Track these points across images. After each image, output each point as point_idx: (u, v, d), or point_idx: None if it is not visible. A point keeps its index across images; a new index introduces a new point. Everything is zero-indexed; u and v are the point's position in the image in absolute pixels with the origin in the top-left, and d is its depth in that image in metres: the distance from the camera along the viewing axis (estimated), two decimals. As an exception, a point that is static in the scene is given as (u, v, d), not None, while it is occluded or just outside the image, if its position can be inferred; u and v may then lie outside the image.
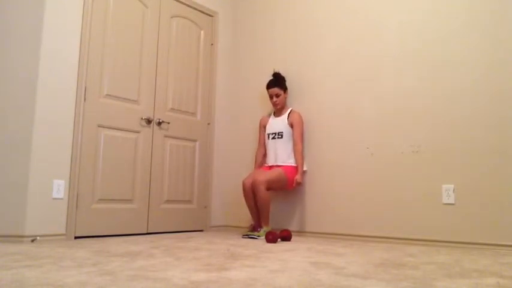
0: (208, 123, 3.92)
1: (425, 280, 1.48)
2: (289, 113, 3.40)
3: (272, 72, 3.52)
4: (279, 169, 3.22)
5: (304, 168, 3.33)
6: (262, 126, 3.56)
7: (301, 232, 3.35)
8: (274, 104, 3.43)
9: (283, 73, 3.56)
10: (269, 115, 3.56)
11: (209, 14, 4.03)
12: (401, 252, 2.30)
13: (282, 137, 3.34)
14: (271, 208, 3.44)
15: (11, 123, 2.76)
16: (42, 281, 1.37)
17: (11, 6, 2.87)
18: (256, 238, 3.01)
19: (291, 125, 3.34)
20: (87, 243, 2.59)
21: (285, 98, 3.45)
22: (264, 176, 3.10)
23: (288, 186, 3.24)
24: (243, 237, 3.06)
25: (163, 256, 2.01)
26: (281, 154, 3.32)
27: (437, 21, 2.86)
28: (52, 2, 2.88)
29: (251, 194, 3.14)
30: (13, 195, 2.69)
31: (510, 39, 2.57)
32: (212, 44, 4.03)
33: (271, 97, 3.43)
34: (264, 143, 3.51)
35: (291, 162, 3.28)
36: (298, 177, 3.21)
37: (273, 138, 3.39)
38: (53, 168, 2.81)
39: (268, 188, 3.12)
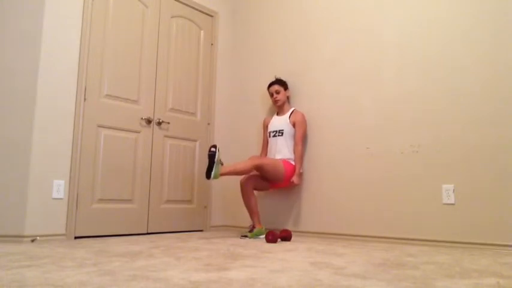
0: (208, 123, 3.92)
1: (425, 280, 1.48)
2: (292, 112, 3.40)
3: (272, 73, 3.55)
4: (279, 160, 3.23)
5: (301, 171, 3.33)
6: (265, 127, 3.57)
7: (301, 232, 3.35)
8: (275, 101, 3.44)
9: (283, 73, 3.59)
10: (272, 115, 3.57)
11: (209, 14, 4.03)
12: (401, 252, 2.30)
13: (282, 134, 3.35)
14: (271, 208, 3.44)
15: (11, 123, 2.76)
16: (42, 281, 1.36)
17: (11, 6, 2.87)
18: (247, 237, 3.03)
19: (293, 124, 3.35)
20: (87, 243, 2.59)
21: (286, 95, 3.46)
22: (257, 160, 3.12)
23: (282, 179, 3.21)
24: (240, 238, 3.06)
25: (163, 256, 2.01)
26: (281, 150, 3.32)
27: (438, 22, 2.86)
28: (52, 2, 2.89)
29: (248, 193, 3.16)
30: (13, 195, 2.69)
31: (511, 40, 2.57)
32: (212, 44, 4.03)
33: (271, 95, 3.46)
34: (268, 144, 3.52)
35: (291, 160, 3.29)
36: (295, 178, 3.20)
37: (274, 136, 3.40)
38: (53, 168, 2.81)
39: (260, 170, 3.11)
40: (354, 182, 3.13)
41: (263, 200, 3.66)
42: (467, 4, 2.75)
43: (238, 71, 4.13)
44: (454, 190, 2.66)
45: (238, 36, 4.18)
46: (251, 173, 3.20)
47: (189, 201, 3.69)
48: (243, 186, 3.17)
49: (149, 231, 3.35)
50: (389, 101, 3.03)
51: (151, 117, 3.44)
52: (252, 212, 3.16)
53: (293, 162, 3.28)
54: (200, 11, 3.94)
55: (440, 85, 2.80)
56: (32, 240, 2.66)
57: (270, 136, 3.46)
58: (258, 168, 3.09)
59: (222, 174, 2.91)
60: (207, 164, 2.88)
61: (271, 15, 3.91)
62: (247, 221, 3.62)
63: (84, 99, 3.02)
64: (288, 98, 3.51)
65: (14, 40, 2.83)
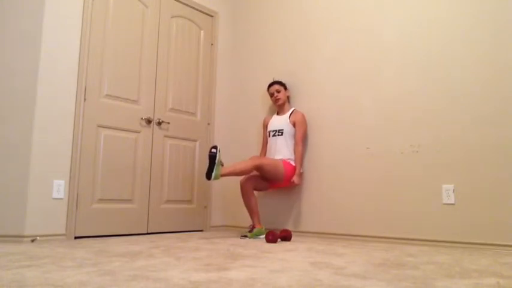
0: (208, 123, 3.92)
1: (425, 280, 1.48)
2: (292, 112, 3.40)
3: (272, 73, 3.56)
4: (279, 160, 3.23)
5: (301, 171, 3.33)
6: (265, 126, 3.57)
7: (301, 232, 3.35)
8: (276, 100, 3.45)
9: (283, 73, 3.59)
10: (272, 115, 3.57)
11: (209, 14, 4.03)
12: (401, 252, 2.30)
13: (282, 134, 3.35)
14: (271, 208, 3.44)
15: (11, 123, 2.76)
16: (42, 281, 1.36)
17: (11, 6, 2.87)
18: (247, 237, 3.04)
19: (293, 124, 3.35)
20: (87, 243, 2.59)
21: (286, 95, 3.47)
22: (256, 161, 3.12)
23: (282, 179, 3.22)
24: (240, 238, 3.06)
25: (163, 256, 2.01)
26: (280, 150, 3.32)
27: (438, 22, 2.86)
28: (52, 2, 2.89)
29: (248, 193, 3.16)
30: (13, 195, 2.69)
31: (511, 40, 2.57)
32: (212, 44, 4.03)
33: (272, 95, 3.47)
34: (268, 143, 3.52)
35: (291, 160, 3.29)
36: (295, 178, 3.20)
37: (274, 135, 3.40)
38: (53, 168, 2.81)
39: (260, 170, 3.11)
40: (354, 182, 3.13)
41: (263, 200, 3.66)
42: (467, 4, 2.75)
43: (238, 71, 4.13)
44: (454, 190, 2.66)
45: (238, 36, 4.18)
46: (251, 173, 3.20)
47: (189, 201, 3.69)
48: (243, 186, 3.18)
49: (149, 231, 3.35)
50: (389, 101, 3.03)
51: (151, 117, 3.44)
52: (252, 212, 3.16)
53: (293, 163, 3.28)
54: (200, 11, 3.94)
55: (440, 85, 2.80)
56: (32, 240, 2.66)
57: (269, 136, 3.46)
58: (258, 168, 3.09)
59: (222, 175, 2.92)
60: (208, 164, 2.88)
61: (271, 15, 3.91)
62: (247, 221, 3.62)
63: (84, 99, 3.02)
64: (288, 97, 3.51)
65: (14, 40, 2.83)
